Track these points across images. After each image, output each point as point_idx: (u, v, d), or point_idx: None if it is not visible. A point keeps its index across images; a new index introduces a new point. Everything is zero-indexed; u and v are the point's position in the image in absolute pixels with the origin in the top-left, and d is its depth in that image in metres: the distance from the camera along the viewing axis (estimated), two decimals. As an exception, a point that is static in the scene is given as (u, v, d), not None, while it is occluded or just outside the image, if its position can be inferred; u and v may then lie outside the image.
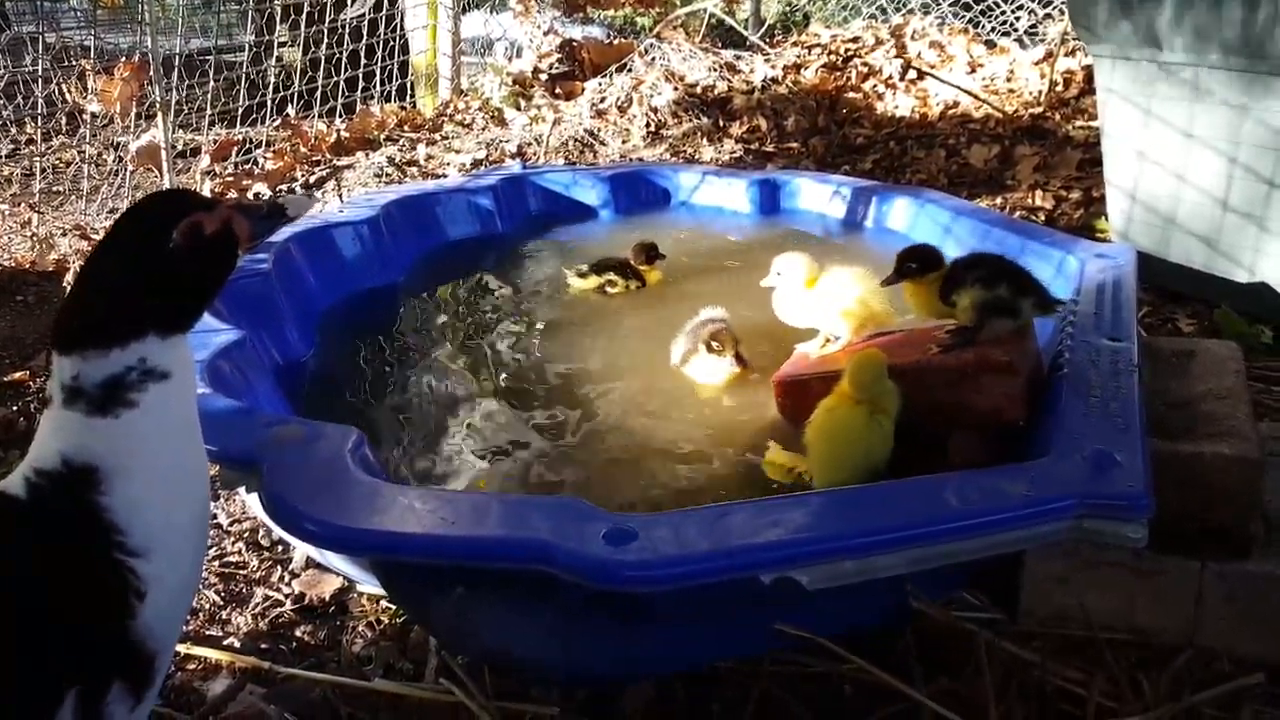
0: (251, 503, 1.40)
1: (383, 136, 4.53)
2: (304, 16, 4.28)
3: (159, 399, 0.99)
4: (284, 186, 3.93)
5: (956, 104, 4.67)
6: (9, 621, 0.90)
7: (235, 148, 4.18)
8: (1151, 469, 1.33)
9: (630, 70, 5.10)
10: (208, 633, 1.66)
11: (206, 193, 3.75)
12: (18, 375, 2.59)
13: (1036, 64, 4.90)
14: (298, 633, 1.65)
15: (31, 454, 0.99)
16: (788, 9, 7.58)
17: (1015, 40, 5.51)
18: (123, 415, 0.97)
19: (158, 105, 3.10)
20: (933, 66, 5.06)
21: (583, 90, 5.06)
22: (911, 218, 2.91)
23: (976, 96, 4.64)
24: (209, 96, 3.97)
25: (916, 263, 1.85)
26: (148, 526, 0.97)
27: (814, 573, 1.21)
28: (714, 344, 2.10)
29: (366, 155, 4.22)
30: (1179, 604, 1.51)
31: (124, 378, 0.97)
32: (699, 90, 4.90)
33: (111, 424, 0.97)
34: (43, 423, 1.00)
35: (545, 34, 5.52)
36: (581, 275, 2.69)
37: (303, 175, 4.01)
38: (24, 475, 0.98)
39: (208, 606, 1.72)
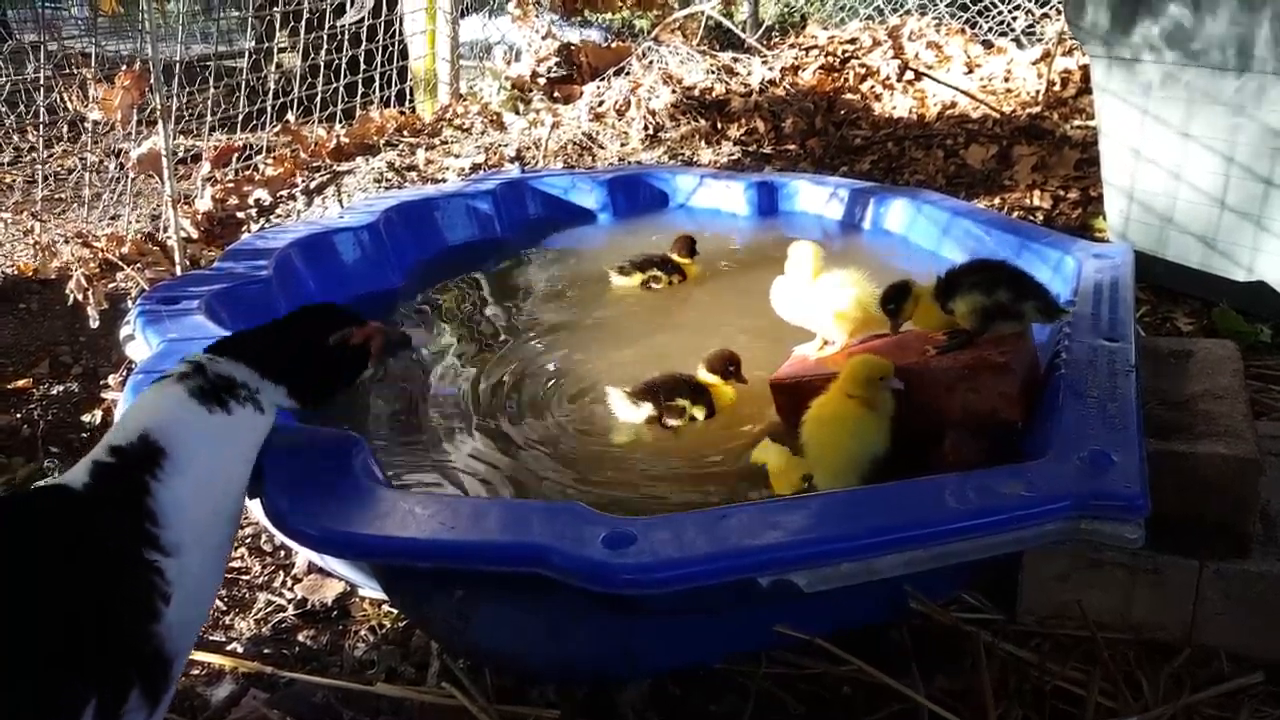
0: (253, 508, 1.40)
1: (382, 141, 4.54)
2: (304, 23, 4.30)
3: (244, 420, 1.19)
4: (285, 192, 3.94)
5: (954, 104, 4.67)
6: (33, 629, 0.91)
7: (236, 154, 4.19)
8: (1148, 469, 1.33)
9: (628, 73, 5.11)
10: (211, 638, 1.67)
11: (208, 199, 3.76)
12: (21, 383, 2.60)
13: (1034, 64, 4.91)
14: (300, 637, 1.66)
15: (111, 433, 1.11)
16: (785, 10, 7.58)
17: (1012, 40, 5.51)
18: (214, 412, 1.15)
19: (158, 112, 3.11)
20: (930, 67, 5.07)
21: (581, 93, 5.07)
22: (909, 219, 2.92)
23: (974, 97, 4.64)
24: (209, 103, 3.99)
25: (893, 304, 1.87)
26: (183, 525, 1.05)
27: (811, 575, 1.22)
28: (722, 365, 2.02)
29: (366, 160, 4.23)
30: (1178, 603, 1.52)
31: (236, 385, 1.19)
32: (697, 92, 4.91)
33: (200, 413, 1.14)
34: (141, 399, 1.16)
35: (543, 37, 5.53)
36: (624, 272, 2.70)
37: (303, 181, 4.02)
38: (93, 459, 1.07)
39: (211, 612, 1.73)
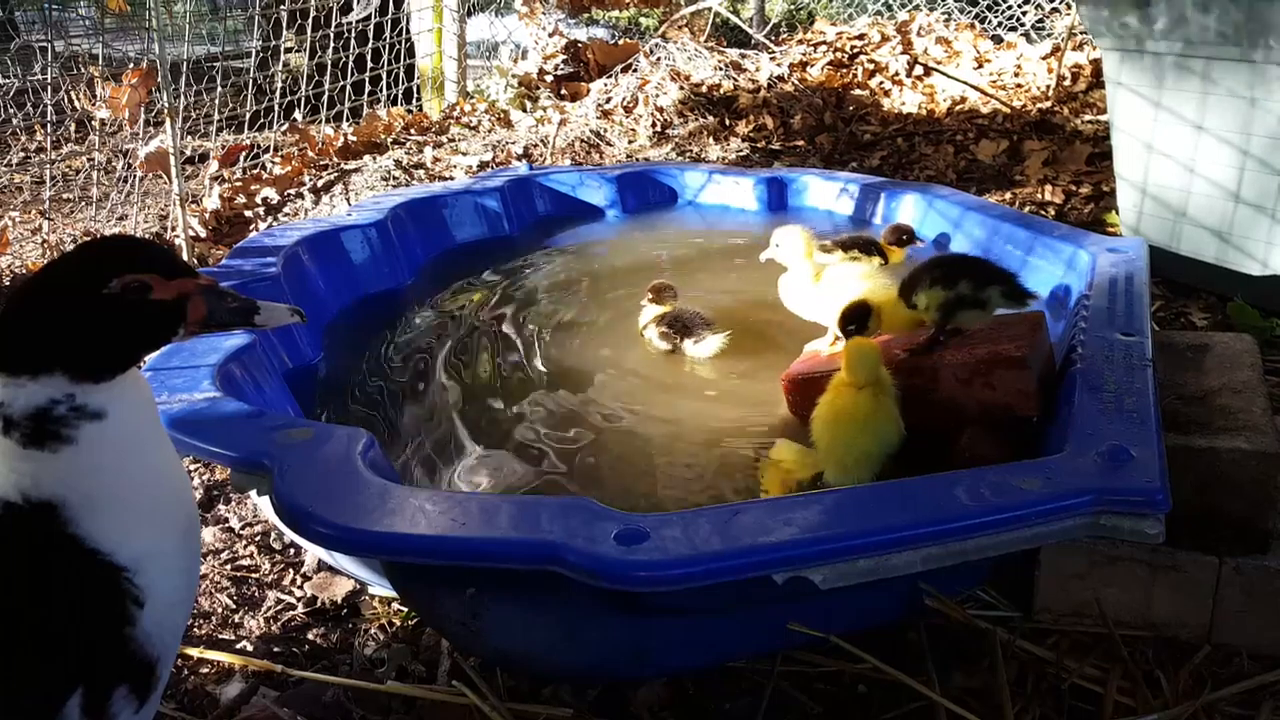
0: (262, 506, 1.40)
1: (390, 140, 4.54)
2: (310, 22, 4.30)
3: (97, 438, 0.93)
4: (292, 190, 3.94)
5: (964, 99, 4.65)
6: (10, 624, 0.91)
7: (243, 153, 4.19)
8: (1167, 464, 1.31)
9: (636, 70, 5.10)
10: (220, 636, 1.66)
11: (215, 198, 3.75)
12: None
13: (1044, 58, 4.88)
14: (310, 635, 1.65)
15: None
16: (793, 7, 7.56)
17: (1022, 35, 5.49)
18: (61, 451, 0.92)
19: (166, 111, 3.11)
20: (939, 62, 5.04)
21: (588, 91, 5.06)
22: (920, 214, 2.90)
23: (984, 92, 4.62)
24: (217, 102, 3.98)
25: (854, 324, 1.88)
26: (130, 549, 0.95)
27: (827, 572, 1.20)
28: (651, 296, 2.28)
29: (374, 159, 4.23)
30: (1197, 600, 1.50)
31: (49, 411, 0.92)
32: (705, 89, 4.90)
33: (51, 459, 0.92)
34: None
35: (550, 35, 5.52)
36: (826, 250, 2.67)
37: (311, 179, 4.02)
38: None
39: (220, 610, 1.72)
